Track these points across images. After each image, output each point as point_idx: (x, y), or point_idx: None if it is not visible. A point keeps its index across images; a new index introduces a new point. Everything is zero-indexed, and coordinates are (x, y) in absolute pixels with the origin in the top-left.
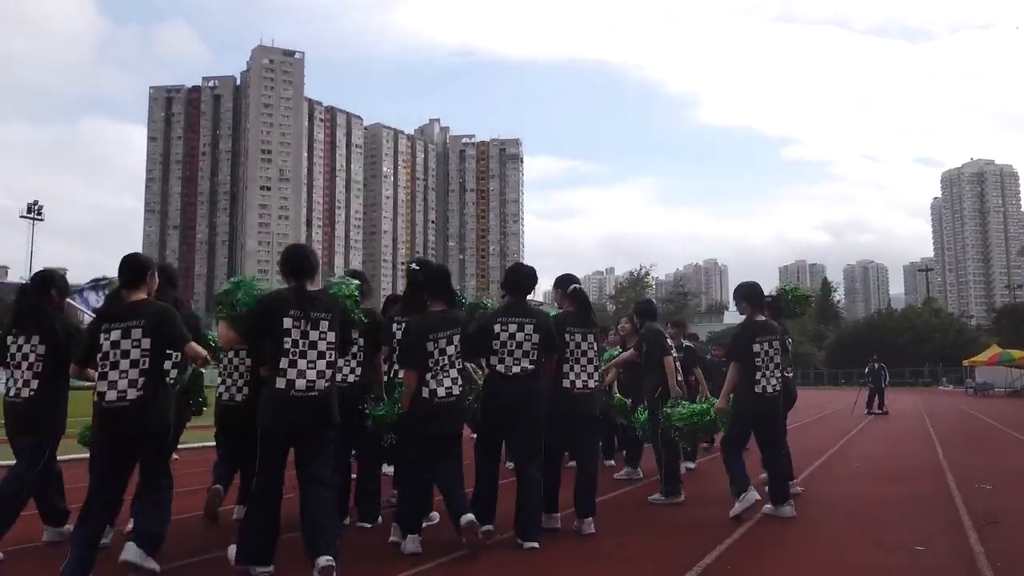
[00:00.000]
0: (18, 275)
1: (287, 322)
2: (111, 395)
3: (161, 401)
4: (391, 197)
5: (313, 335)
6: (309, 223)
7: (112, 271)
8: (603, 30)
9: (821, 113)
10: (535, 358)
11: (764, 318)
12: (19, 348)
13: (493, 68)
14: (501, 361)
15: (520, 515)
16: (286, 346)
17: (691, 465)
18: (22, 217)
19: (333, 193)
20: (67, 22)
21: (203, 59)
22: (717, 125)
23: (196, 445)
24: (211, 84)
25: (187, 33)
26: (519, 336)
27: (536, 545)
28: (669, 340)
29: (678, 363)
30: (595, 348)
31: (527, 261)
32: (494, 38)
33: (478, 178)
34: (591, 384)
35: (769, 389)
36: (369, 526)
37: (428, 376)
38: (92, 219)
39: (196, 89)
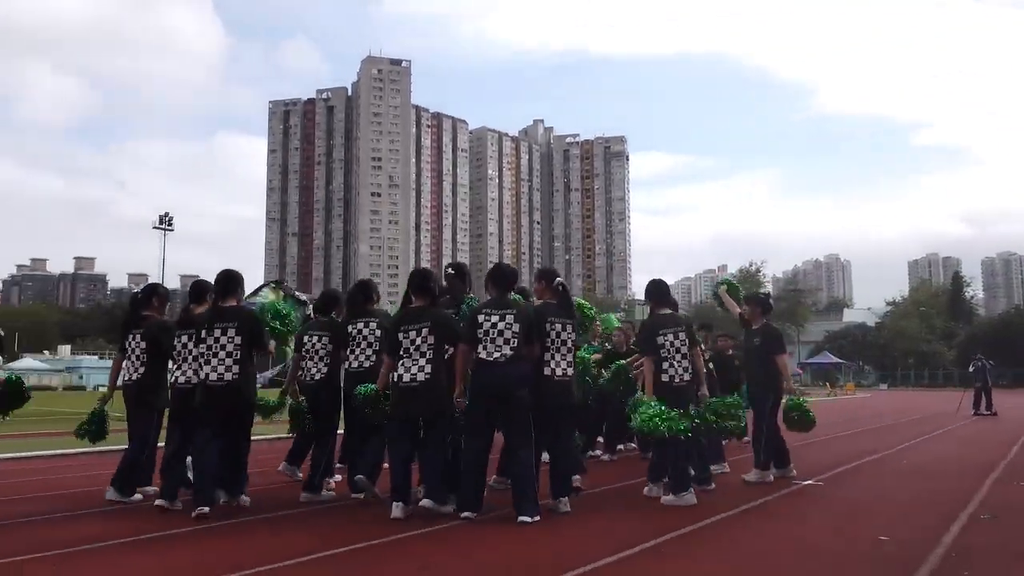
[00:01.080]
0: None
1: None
2: (213, 376)
3: (250, 383)
4: (496, 199)
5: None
6: (418, 227)
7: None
8: (712, 21)
9: (956, 93)
10: (515, 345)
11: (669, 311)
12: (130, 343)
13: (598, 67)
14: (484, 348)
15: (513, 492)
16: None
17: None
18: (155, 228)
19: (440, 197)
20: (198, 42)
21: (320, 71)
22: (838, 112)
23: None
24: (324, 96)
25: (306, 47)
26: (500, 325)
27: (528, 519)
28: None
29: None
30: (574, 338)
31: (634, 260)
32: (598, 37)
33: (583, 177)
34: (570, 372)
35: (676, 379)
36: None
37: (399, 362)
38: (221, 228)
39: (311, 101)
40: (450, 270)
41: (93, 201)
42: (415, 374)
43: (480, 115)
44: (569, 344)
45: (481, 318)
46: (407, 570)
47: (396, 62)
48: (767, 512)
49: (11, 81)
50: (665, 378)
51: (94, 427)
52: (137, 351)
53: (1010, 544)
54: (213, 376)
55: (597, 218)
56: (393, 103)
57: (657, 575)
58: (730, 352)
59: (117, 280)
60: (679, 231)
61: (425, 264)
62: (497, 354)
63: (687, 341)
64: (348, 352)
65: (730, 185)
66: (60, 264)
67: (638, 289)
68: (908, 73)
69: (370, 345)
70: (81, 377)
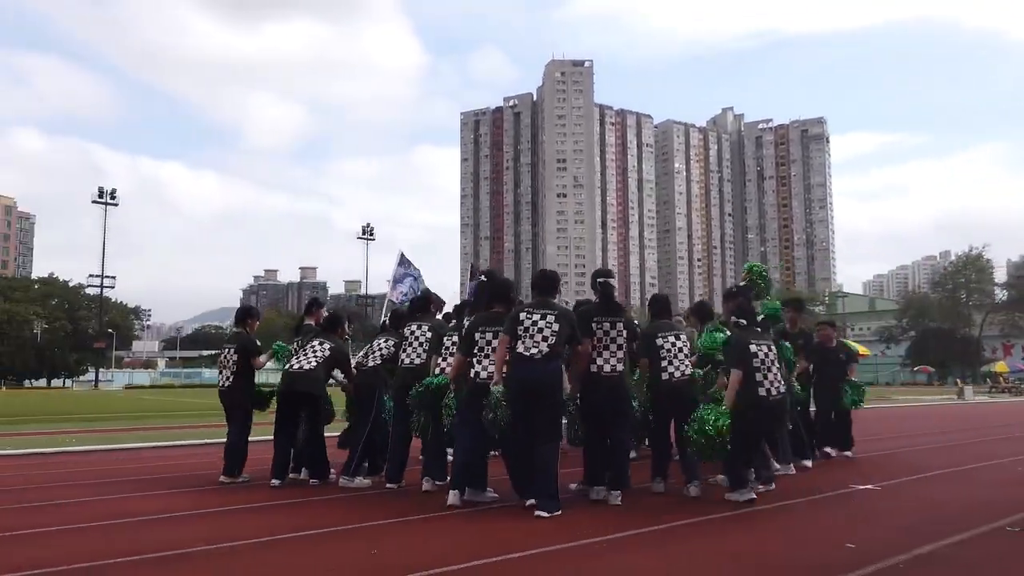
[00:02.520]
0: (362, 289)
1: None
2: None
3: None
4: (684, 193)
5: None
6: (604, 225)
7: (433, 284)
8: None
9: None
10: (553, 343)
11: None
12: (301, 345)
13: (789, 46)
14: (523, 343)
15: (533, 488)
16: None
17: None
18: (358, 238)
19: (626, 194)
20: (400, 62)
21: (507, 79)
22: None
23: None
24: (511, 103)
25: (495, 56)
26: (541, 323)
27: (545, 514)
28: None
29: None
30: (624, 335)
31: (840, 248)
32: (788, 15)
33: (777, 164)
34: (619, 368)
35: (607, 368)
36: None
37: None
38: (422, 236)
39: (499, 109)
40: (483, 277)
41: (312, 215)
42: (492, 372)
43: (665, 109)
44: (619, 342)
45: (523, 316)
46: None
47: (578, 63)
48: (757, 512)
49: (243, 110)
50: (594, 368)
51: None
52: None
53: (1005, 558)
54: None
55: (795, 206)
56: (576, 104)
57: (589, 571)
58: (833, 344)
59: (335, 287)
60: (892, 215)
61: (612, 263)
62: (535, 349)
63: (622, 332)
64: (401, 352)
65: (949, 163)
66: (288, 274)
67: (845, 280)
68: None
69: (421, 345)
70: None
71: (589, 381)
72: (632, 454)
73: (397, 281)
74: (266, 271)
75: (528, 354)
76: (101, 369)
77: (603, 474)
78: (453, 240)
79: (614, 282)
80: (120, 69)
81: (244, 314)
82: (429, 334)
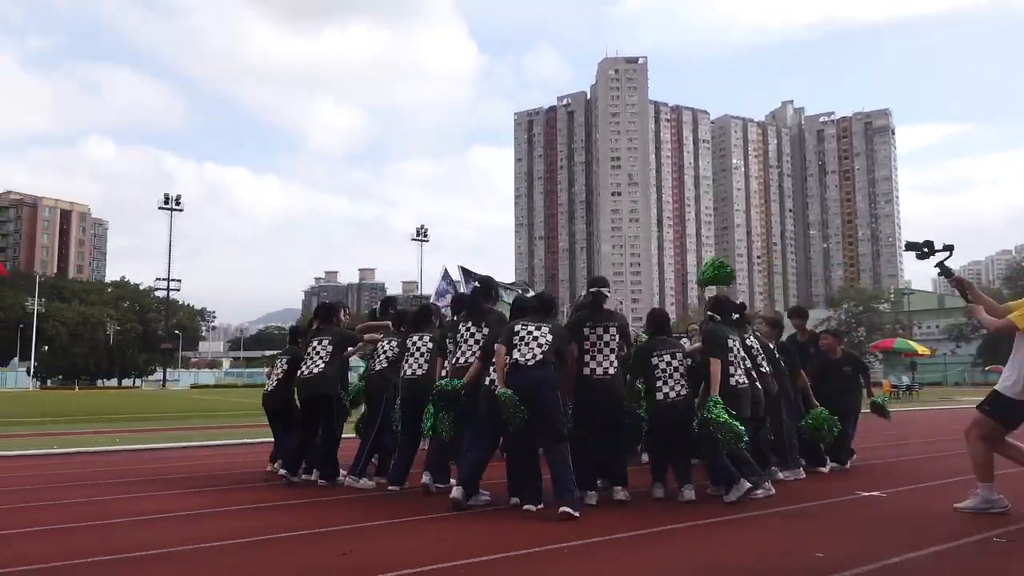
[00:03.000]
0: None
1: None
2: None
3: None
4: (742, 189)
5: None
6: (660, 223)
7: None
8: None
9: None
10: (546, 351)
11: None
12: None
13: (851, 37)
14: (518, 350)
15: (553, 486)
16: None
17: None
18: (412, 240)
19: (682, 191)
20: (456, 64)
21: (561, 78)
22: None
23: None
24: (565, 102)
25: (549, 55)
26: (536, 333)
27: (569, 511)
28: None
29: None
30: (616, 339)
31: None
32: (850, 4)
33: (840, 158)
34: (611, 371)
35: (599, 371)
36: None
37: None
38: (476, 237)
39: (552, 109)
40: (476, 284)
41: (371, 218)
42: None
43: (722, 104)
44: (612, 345)
45: (518, 327)
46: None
47: (632, 60)
48: (733, 522)
49: (303, 116)
50: (511, 361)
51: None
52: (321, 352)
53: (972, 570)
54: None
55: (858, 201)
56: (631, 101)
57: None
58: (837, 355)
59: (393, 288)
60: (963, 208)
61: (668, 261)
62: (529, 355)
63: (540, 334)
64: (403, 362)
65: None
66: (348, 275)
67: (912, 276)
68: None
69: (423, 355)
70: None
71: (582, 384)
72: (645, 457)
73: (440, 295)
74: (327, 273)
75: (523, 361)
76: (169, 369)
77: (591, 478)
78: (507, 241)
79: (608, 291)
80: (187, 78)
81: (329, 310)
82: (430, 344)
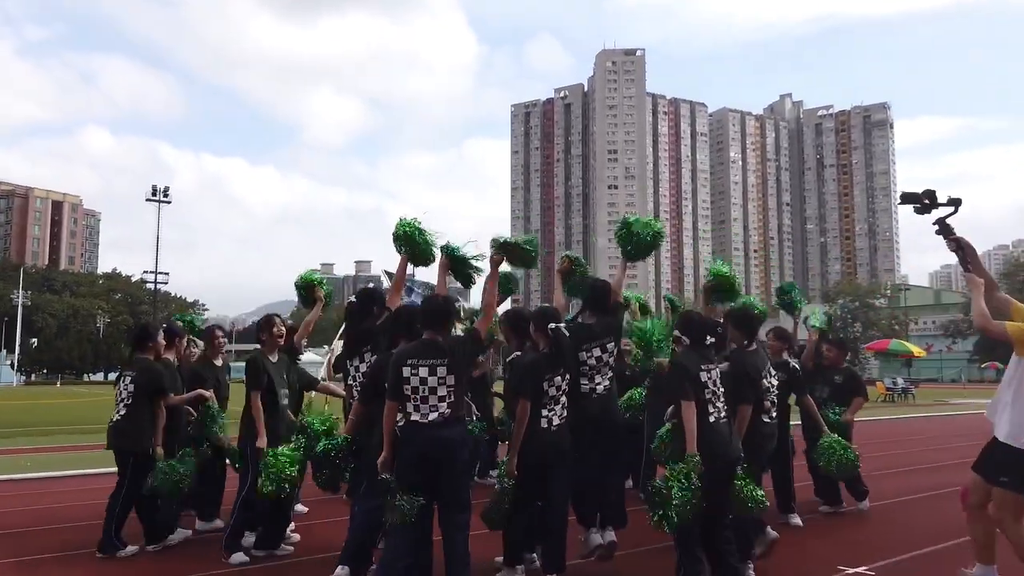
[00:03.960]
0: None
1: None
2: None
3: None
4: (739, 183)
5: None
6: (656, 216)
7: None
8: None
9: None
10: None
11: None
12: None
13: (850, 30)
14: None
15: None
16: None
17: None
18: None
19: (679, 185)
20: (454, 55)
21: (560, 70)
22: None
23: None
24: (562, 94)
25: (549, 45)
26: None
27: None
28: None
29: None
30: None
31: (905, 238)
32: None
33: (838, 152)
34: (599, 390)
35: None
36: None
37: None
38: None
39: (549, 101)
40: (353, 297)
41: (368, 209)
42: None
43: (720, 97)
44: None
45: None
46: None
47: (630, 52)
48: None
49: (301, 107)
50: (544, 423)
51: None
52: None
53: None
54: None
55: (856, 195)
56: (628, 94)
57: None
58: (843, 365)
59: (388, 281)
60: (966, 202)
61: (665, 254)
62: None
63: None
64: None
65: None
66: (344, 267)
67: (910, 271)
68: None
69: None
70: None
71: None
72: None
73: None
74: (323, 265)
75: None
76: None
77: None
78: (504, 232)
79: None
80: (184, 68)
81: (142, 334)
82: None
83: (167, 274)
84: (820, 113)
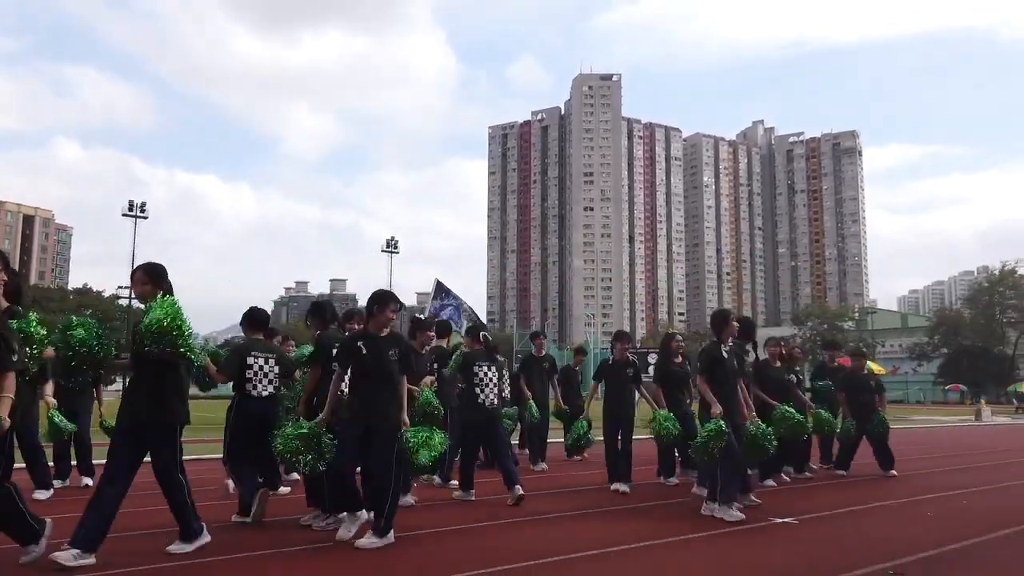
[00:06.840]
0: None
1: None
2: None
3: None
4: (713, 207)
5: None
6: (631, 239)
7: (465, 294)
8: None
9: None
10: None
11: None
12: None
13: (821, 59)
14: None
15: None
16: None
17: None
18: (383, 251)
19: (654, 208)
20: (433, 73)
21: (538, 92)
22: None
23: None
24: (539, 117)
25: (529, 67)
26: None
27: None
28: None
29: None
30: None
31: (874, 263)
32: (820, 26)
33: (809, 178)
34: (496, 402)
35: (487, 402)
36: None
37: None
38: (452, 247)
39: (527, 123)
40: (309, 312)
41: (343, 227)
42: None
43: (694, 122)
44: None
45: (251, 359)
46: None
47: (606, 77)
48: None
49: (277, 122)
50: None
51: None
52: None
53: None
54: None
55: (826, 220)
56: (604, 118)
57: None
58: (864, 372)
59: (365, 299)
60: (930, 229)
61: (639, 277)
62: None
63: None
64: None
65: (990, 176)
66: (318, 286)
67: (879, 296)
68: None
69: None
70: None
71: (471, 409)
72: (674, 480)
73: (435, 314)
74: (297, 283)
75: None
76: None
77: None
78: (481, 252)
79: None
80: (158, 80)
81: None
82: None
83: None
84: (791, 140)
